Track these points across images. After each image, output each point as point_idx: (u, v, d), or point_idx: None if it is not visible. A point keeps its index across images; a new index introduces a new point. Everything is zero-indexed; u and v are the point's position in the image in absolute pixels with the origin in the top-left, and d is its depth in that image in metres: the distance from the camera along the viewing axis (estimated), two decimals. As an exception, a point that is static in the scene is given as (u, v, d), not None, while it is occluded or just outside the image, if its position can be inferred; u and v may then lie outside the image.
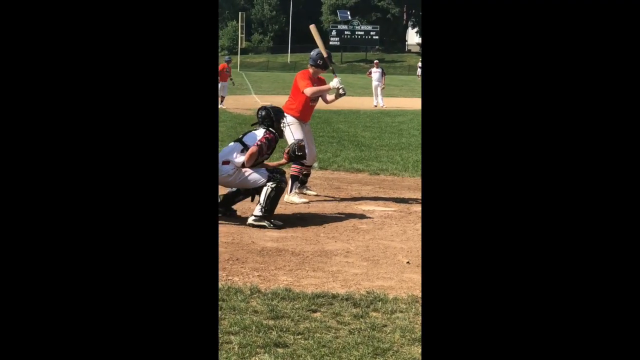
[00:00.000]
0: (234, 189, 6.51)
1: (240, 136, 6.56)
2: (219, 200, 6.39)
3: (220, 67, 20.74)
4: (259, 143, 6.32)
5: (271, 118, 6.57)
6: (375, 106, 23.23)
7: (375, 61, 26.42)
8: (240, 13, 61.14)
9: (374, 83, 24.09)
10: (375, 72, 24.12)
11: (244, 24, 58.56)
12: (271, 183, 6.22)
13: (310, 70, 7.49)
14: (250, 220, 6.18)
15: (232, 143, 6.52)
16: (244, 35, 61.18)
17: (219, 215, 6.16)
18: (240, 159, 6.27)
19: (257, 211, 6.18)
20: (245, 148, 6.30)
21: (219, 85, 20.35)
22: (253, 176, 6.28)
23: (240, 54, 60.41)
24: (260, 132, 6.46)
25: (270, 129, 6.51)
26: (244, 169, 6.28)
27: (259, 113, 6.67)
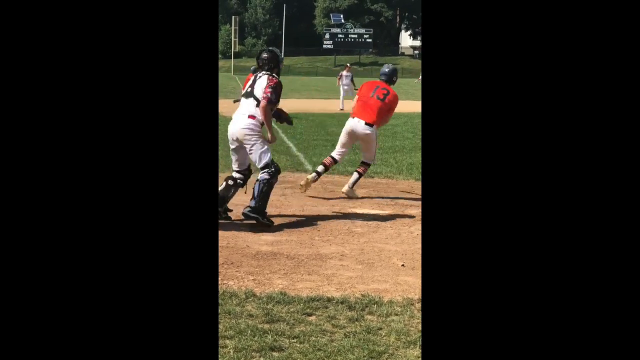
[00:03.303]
0: (224, 186, 6.49)
1: (249, 89, 6.49)
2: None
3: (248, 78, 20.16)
4: (266, 96, 6.31)
5: (277, 60, 6.57)
6: (342, 109, 22.72)
7: (347, 65, 26.38)
8: (233, 17, 61.13)
9: (345, 87, 23.80)
10: (347, 76, 23.99)
11: (237, 27, 58.55)
12: (264, 178, 6.31)
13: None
14: (245, 210, 6.28)
15: (244, 98, 6.50)
16: (237, 39, 61.16)
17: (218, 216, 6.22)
18: (260, 114, 6.33)
19: (252, 203, 6.30)
20: (259, 102, 6.33)
21: None
22: (262, 154, 6.31)
23: (234, 58, 60.38)
24: (263, 81, 6.41)
25: (273, 73, 6.49)
26: (261, 141, 6.32)
27: (263, 55, 6.62)
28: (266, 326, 3.69)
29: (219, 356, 3.27)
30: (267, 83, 6.35)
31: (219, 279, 4.58)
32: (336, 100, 23.56)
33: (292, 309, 3.98)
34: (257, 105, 6.32)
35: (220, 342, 3.44)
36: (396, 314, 3.97)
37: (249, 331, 3.58)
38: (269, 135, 6.43)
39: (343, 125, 8.30)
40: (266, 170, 6.34)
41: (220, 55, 70.34)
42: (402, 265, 5.12)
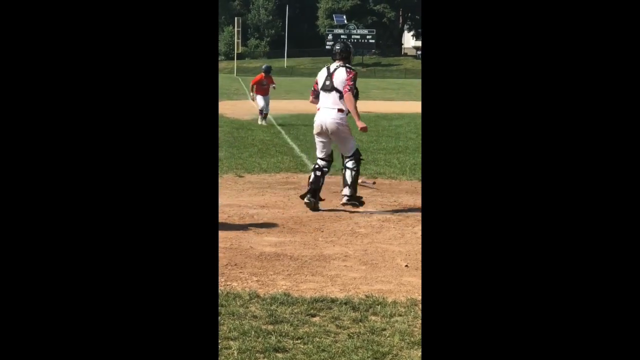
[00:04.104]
0: (313, 178, 6.97)
1: (328, 83, 6.98)
2: (307, 192, 7.01)
3: (257, 78, 17.71)
4: (349, 87, 6.90)
5: (349, 51, 7.20)
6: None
7: None
8: (236, 18, 61.16)
9: None
10: None
11: (240, 29, 58.60)
12: (352, 165, 7.01)
13: None
14: (344, 200, 7.03)
15: (324, 92, 7.04)
16: (240, 41, 61.21)
17: (312, 205, 6.93)
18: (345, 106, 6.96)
19: (347, 191, 7.02)
20: (341, 93, 6.94)
21: (259, 99, 17.37)
22: (351, 144, 7.12)
23: (237, 59, 60.44)
24: (342, 73, 6.98)
25: (348, 65, 7.09)
26: (350, 133, 7.08)
27: (335, 47, 7.27)
28: (270, 327, 3.69)
29: (224, 357, 3.28)
30: (347, 76, 6.96)
31: (223, 280, 4.58)
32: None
33: (295, 310, 3.98)
34: (341, 97, 6.91)
35: (224, 343, 3.44)
36: (400, 315, 3.97)
37: (253, 332, 3.58)
38: (358, 124, 7.06)
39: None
40: (353, 158, 7.03)
41: (223, 57, 70.41)
42: (406, 265, 5.12)
